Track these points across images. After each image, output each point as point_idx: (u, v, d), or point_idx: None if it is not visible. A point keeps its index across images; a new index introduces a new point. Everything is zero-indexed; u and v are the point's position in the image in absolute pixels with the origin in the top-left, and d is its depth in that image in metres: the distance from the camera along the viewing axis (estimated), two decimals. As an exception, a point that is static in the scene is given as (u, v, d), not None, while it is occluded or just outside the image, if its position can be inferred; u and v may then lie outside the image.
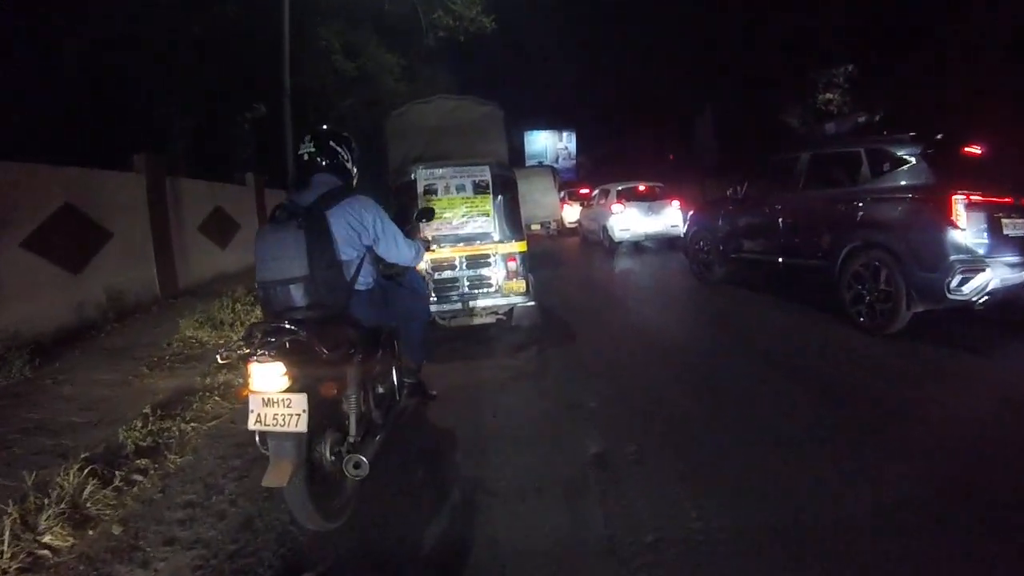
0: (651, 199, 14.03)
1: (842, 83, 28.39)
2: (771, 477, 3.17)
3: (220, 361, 2.72)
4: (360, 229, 3.06)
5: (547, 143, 34.05)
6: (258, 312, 6.51)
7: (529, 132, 34.03)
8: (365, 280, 3.20)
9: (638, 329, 6.58)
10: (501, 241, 5.70)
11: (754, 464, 3.34)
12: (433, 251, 5.56)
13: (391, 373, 3.62)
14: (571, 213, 18.60)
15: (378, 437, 3.24)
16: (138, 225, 8.36)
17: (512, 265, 5.70)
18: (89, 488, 3.18)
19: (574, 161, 34.45)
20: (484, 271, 5.71)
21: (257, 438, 2.62)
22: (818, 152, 6.94)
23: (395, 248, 3.27)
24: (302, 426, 2.48)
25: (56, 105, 8.34)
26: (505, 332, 6.38)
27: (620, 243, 13.95)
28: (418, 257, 3.54)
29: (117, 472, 3.45)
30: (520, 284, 5.70)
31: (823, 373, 4.79)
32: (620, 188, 14.19)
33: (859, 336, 5.68)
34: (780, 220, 6.99)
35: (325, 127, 3.53)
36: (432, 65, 16.62)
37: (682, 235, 13.99)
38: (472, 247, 5.70)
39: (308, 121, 13.22)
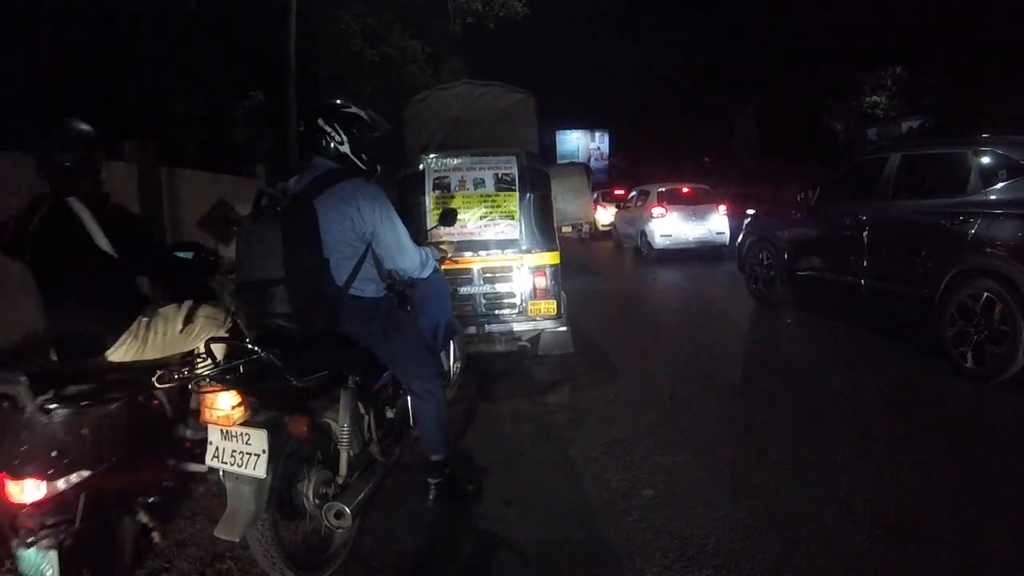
0: (695, 203, 12.70)
1: (890, 86, 26.97)
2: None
3: (158, 386, 2.27)
4: (355, 218, 2.44)
5: (579, 143, 32.94)
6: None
7: (561, 131, 32.91)
8: (365, 286, 2.57)
9: (694, 365, 5.28)
10: (528, 250, 4.57)
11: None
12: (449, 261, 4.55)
13: (401, 397, 3.00)
14: (605, 216, 17.48)
15: (374, 479, 2.56)
16: (128, 217, 7.52)
17: (541, 281, 4.57)
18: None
19: (607, 162, 33.29)
20: (506, 287, 4.59)
21: (220, 475, 2.14)
22: (912, 153, 5.77)
23: (395, 246, 2.60)
24: (260, 470, 2.04)
25: (37, 86, 7.56)
26: (529, 364, 5.26)
27: (660, 250, 12.64)
28: (425, 266, 2.80)
29: None
30: (550, 305, 4.58)
31: (919, 427, 3.75)
32: (661, 190, 12.86)
33: (961, 383, 4.51)
34: (864, 234, 5.81)
35: (322, 101, 2.73)
36: (459, 55, 15.69)
37: (726, 243, 12.92)
38: (492, 257, 4.58)
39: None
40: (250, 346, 2.08)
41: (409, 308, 3.03)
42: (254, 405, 2.08)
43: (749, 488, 3.06)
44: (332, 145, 2.56)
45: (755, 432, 3.74)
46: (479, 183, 4.63)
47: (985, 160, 4.86)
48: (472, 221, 4.58)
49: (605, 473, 3.29)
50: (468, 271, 4.56)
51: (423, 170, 4.63)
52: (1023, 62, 16.99)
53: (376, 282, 2.64)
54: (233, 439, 2.08)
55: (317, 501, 2.32)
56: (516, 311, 4.58)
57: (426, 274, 2.85)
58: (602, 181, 24.69)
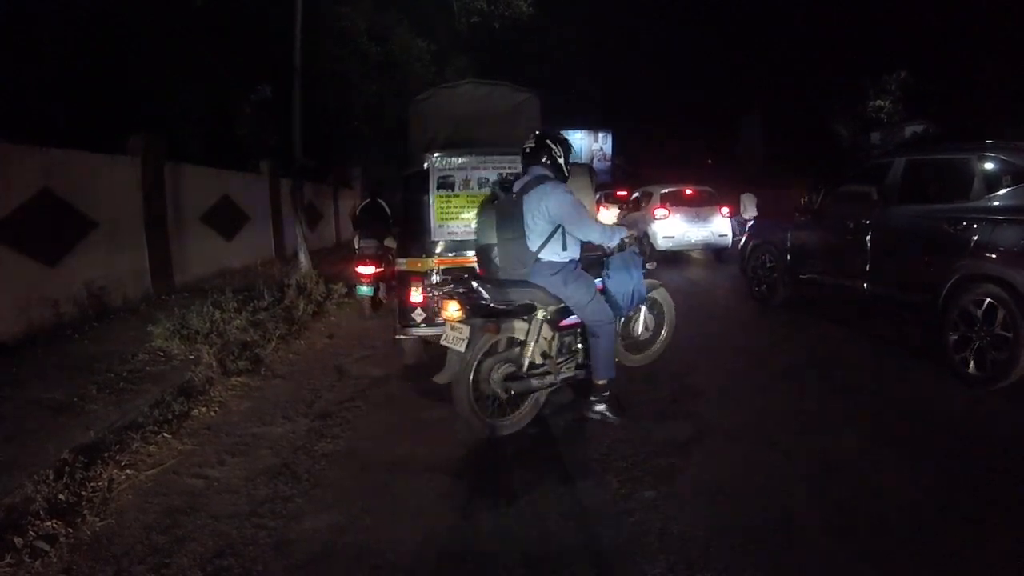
0: (698, 205, 12.63)
1: (894, 90, 26.84)
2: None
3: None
4: (545, 209, 3.60)
5: (582, 144, 32.70)
6: (237, 322, 5.97)
7: (564, 132, 32.64)
8: (552, 253, 3.72)
9: (695, 366, 5.20)
10: None
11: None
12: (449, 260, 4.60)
13: (580, 336, 4.10)
14: (607, 217, 17.18)
15: (541, 382, 3.79)
16: (129, 214, 7.56)
17: None
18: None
19: (610, 163, 33.16)
20: None
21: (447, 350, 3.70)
22: (916, 158, 5.75)
23: (578, 227, 3.68)
24: (462, 347, 3.56)
25: (39, 81, 7.50)
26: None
27: (662, 251, 12.60)
28: (611, 239, 3.81)
29: (18, 539, 2.62)
30: None
31: (922, 433, 3.72)
32: (664, 191, 12.78)
33: (960, 389, 4.50)
34: (867, 239, 5.80)
35: (546, 129, 3.98)
36: (463, 55, 15.64)
37: (729, 245, 12.88)
38: None
39: (328, 108, 12.38)
40: (469, 279, 3.69)
41: (606, 272, 4.08)
42: (467, 312, 3.61)
43: (752, 491, 3.05)
44: (554, 157, 3.76)
45: (756, 434, 3.73)
46: (484, 183, 4.63)
47: (989, 166, 4.86)
48: (476, 220, 4.56)
49: (606, 474, 3.29)
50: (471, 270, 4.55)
51: (427, 169, 4.63)
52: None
53: (562, 251, 3.72)
54: (454, 330, 3.61)
55: (501, 384, 3.67)
56: None
57: (612, 244, 3.86)
58: (605, 182, 24.58)
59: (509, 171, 4.61)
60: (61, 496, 2.96)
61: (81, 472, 3.16)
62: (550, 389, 3.89)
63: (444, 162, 4.65)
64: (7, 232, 5.54)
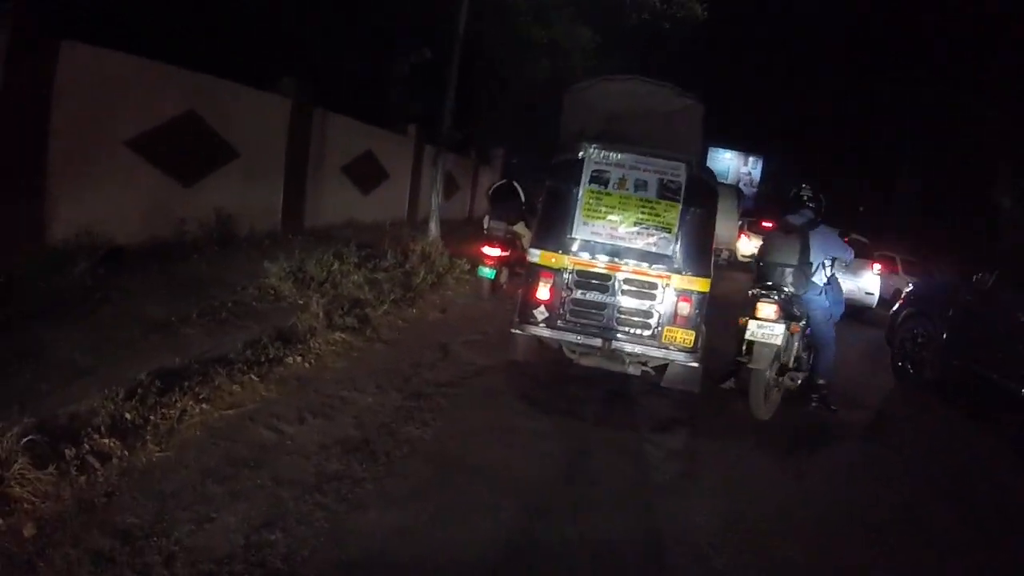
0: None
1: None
2: None
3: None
4: (823, 245, 4.87)
5: (730, 164, 31.16)
6: (355, 277, 5.83)
7: (713, 148, 31.18)
8: (819, 278, 4.88)
9: (819, 439, 4.58)
10: (679, 271, 4.04)
11: None
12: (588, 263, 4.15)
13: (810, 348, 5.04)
14: (747, 246, 16.29)
15: (798, 374, 4.76)
16: (272, 151, 7.68)
17: (684, 307, 4.02)
18: (18, 464, 2.26)
19: (755, 190, 31.31)
20: (644, 304, 4.07)
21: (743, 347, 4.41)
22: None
23: (844, 262, 5.17)
24: (777, 341, 4.30)
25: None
26: (646, 393, 4.71)
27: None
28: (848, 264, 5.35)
29: (70, 450, 2.45)
30: (688, 335, 4.01)
31: None
32: (817, 232, 11.65)
33: None
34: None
35: (810, 186, 5.06)
36: (626, 50, 15.01)
37: (874, 306, 11.53)
38: (636, 268, 4.08)
39: (484, 84, 12.18)
40: (776, 286, 4.51)
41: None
42: (780, 313, 4.35)
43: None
44: (817, 205, 4.95)
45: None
46: (640, 185, 4.14)
47: None
48: (624, 225, 4.11)
49: (711, 552, 2.71)
50: (608, 278, 4.09)
51: (583, 158, 4.19)
52: None
53: (824, 277, 4.93)
54: (763, 327, 4.28)
55: (776, 377, 4.54)
56: (649, 333, 4.05)
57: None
58: (748, 209, 23.17)
59: (671, 179, 4.11)
60: (128, 415, 2.82)
61: (155, 397, 3.02)
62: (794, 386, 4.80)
63: (602, 155, 4.19)
64: (147, 145, 5.59)
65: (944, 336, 6.10)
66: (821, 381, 4.87)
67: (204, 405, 3.18)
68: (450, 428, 3.54)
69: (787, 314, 4.40)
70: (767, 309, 4.34)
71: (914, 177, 30.55)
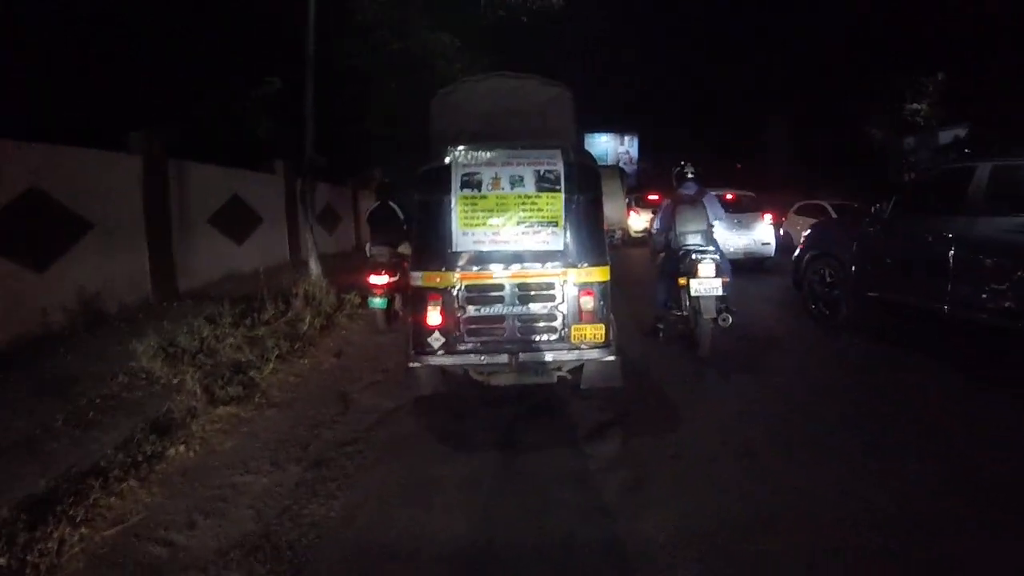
0: (739, 210, 11.72)
1: (931, 92, 25.63)
2: None
3: None
4: (712, 209, 5.92)
5: (608, 147, 32.07)
6: (231, 339, 5.35)
7: (590, 134, 32.05)
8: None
9: (760, 406, 4.41)
10: (574, 264, 3.83)
11: None
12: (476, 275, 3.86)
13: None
14: (638, 221, 16.68)
15: (729, 318, 5.44)
16: (130, 215, 7.04)
17: (588, 301, 3.81)
18: None
19: (636, 167, 32.37)
20: (545, 307, 3.84)
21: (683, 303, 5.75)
22: (1005, 164, 4.97)
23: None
24: (718, 291, 5.35)
25: (38, 79, 6.97)
26: (569, 398, 4.50)
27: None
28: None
29: None
30: (597, 330, 3.82)
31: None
32: (702, 197, 12.03)
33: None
34: (949, 254, 5.04)
35: (688, 162, 6.21)
36: (490, 50, 14.98)
37: (772, 254, 11.97)
38: (529, 271, 3.84)
39: (345, 105, 11.74)
40: (703, 249, 5.67)
41: None
42: (718, 269, 5.37)
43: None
44: (693, 180, 6.04)
45: (855, 505, 2.98)
46: (516, 181, 3.89)
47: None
48: (507, 227, 3.85)
49: (676, 567, 2.53)
50: (499, 288, 3.82)
51: (449, 164, 3.92)
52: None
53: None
54: (706, 282, 5.33)
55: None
56: (557, 336, 3.82)
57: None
58: (632, 186, 23.85)
59: (548, 169, 3.90)
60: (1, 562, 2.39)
61: (25, 533, 2.59)
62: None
63: (469, 156, 3.93)
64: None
65: (853, 271, 6.32)
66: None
67: (83, 529, 2.75)
68: (359, 497, 3.15)
69: (720, 269, 5.38)
70: (708, 268, 5.34)
71: (779, 121, 32.41)
